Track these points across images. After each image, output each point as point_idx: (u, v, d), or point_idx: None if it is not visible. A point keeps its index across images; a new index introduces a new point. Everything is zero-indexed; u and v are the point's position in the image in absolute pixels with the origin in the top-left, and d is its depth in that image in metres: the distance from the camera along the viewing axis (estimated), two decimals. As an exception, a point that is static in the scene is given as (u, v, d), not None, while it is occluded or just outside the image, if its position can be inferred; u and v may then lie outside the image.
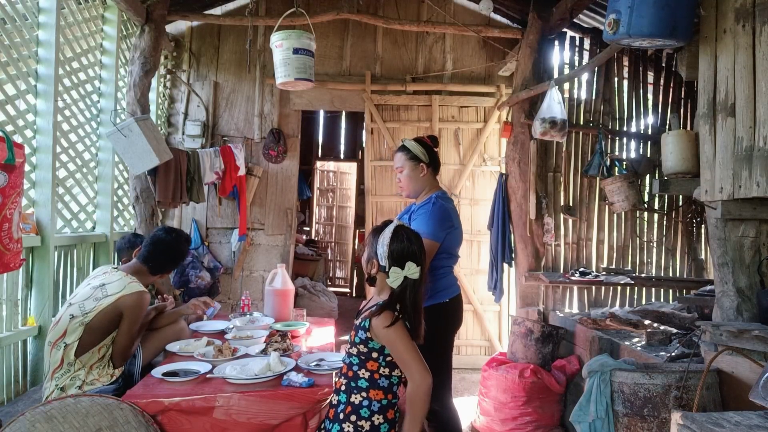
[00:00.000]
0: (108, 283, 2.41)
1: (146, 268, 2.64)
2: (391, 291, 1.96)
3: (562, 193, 4.59)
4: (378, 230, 2.00)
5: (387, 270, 1.94)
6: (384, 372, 1.94)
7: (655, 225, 4.81)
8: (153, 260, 2.64)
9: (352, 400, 1.93)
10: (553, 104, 3.84)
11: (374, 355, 1.94)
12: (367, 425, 1.89)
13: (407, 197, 2.65)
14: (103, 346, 2.34)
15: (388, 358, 1.96)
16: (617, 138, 4.69)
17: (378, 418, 1.91)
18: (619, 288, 4.56)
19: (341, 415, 1.92)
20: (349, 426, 1.89)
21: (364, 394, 1.92)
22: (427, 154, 2.59)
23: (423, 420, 1.90)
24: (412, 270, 1.94)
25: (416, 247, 1.98)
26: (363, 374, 1.93)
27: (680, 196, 4.67)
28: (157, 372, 2.15)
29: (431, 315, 2.46)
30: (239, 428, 1.96)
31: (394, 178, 2.71)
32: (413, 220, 2.48)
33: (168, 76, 5.09)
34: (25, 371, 3.03)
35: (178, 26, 5.06)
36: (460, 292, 2.62)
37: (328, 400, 2.03)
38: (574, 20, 4.43)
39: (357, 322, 2.00)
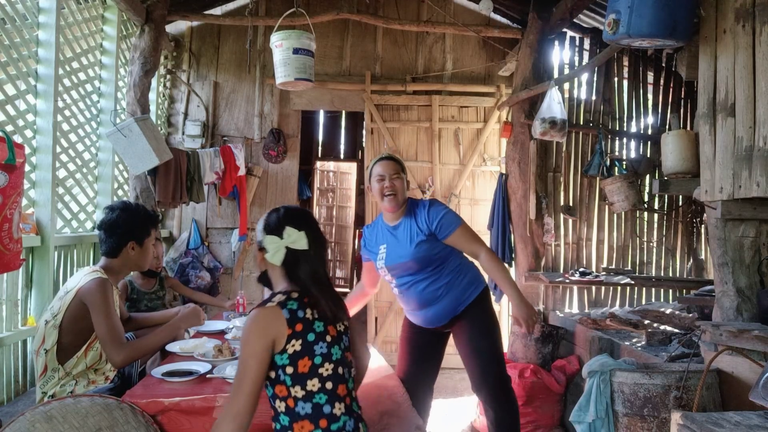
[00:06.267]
0: (70, 282, 2.37)
1: (127, 246, 2.42)
2: (284, 274, 1.67)
3: (562, 193, 4.59)
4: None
5: (263, 245, 1.67)
6: (297, 393, 1.55)
7: (655, 225, 4.81)
8: (128, 234, 2.42)
9: None
10: (553, 104, 3.83)
11: (272, 373, 1.57)
12: None
13: (394, 207, 2.55)
14: (90, 349, 2.30)
15: (290, 369, 1.55)
16: (617, 138, 4.69)
17: None
18: (619, 288, 4.55)
19: None
20: None
21: None
22: None
23: None
24: (293, 237, 1.64)
25: (296, 214, 1.73)
26: (279, 406, 1.57)
27: (680, 196, 4.67)
28: (157, 372, 2.15)
29: (485, 300, 2.60)
30: (239, 428, 1.96)
31: (381, 184, 2.56)
32: (440, 227, 2.46)
33: (168, 76, 5.09)
34: (25, 371, 3.03)
35: (178, 26, 5.06)
36: None
37: None
38: (574, 20, 4.43)
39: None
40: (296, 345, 1.56)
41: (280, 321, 1.56)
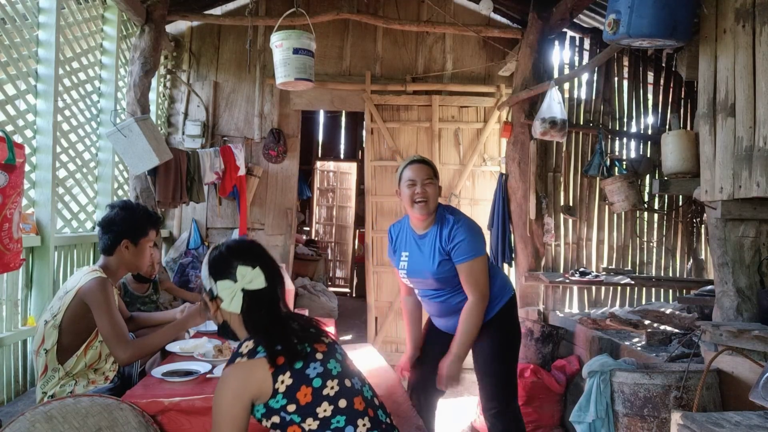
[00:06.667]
0: (69, 281, 2.36)
1: (121, 244, 2.41)
2: (242, 322, 1.48)
3: (562, 193, 4.59)
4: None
5: (216, 293, 1.48)
6: (312, 425, 1.37)
7: (655, 225, 4.81)
8: (124, 232, 2.41)
9: None
10: (553, 104, 3.84)
11: (275, 419, 1.40)
12: None
13: (424, 215, 2.42)
14: (89, 348, 2.29)
15: (292, 407, 1.38)
16: (617, 138, 4.69)
17: None
18: (619, 288, 4.56)
19: None
20: None
21: None
22: None
23: None
24: (248, 276, 1.46)
25: (242, 248, 1.53)
26: None
27: (680, 196, 4.67)
28: (157, 372, 2.15)
29: (507, 316, 2.46)
30: (239, 428, 1.95)
31: (412, 190, 2.41)
32: (454, 252, 2.34)
33: (168, 76, 5.09)
34: (25, 371, 3.03)
35: (178, 26, 5.06)
36: None
37: None
38: (574, 20, 4.43)
39: None
40: (286, 379, 1.39)
41: (258, 372, 1.39)
